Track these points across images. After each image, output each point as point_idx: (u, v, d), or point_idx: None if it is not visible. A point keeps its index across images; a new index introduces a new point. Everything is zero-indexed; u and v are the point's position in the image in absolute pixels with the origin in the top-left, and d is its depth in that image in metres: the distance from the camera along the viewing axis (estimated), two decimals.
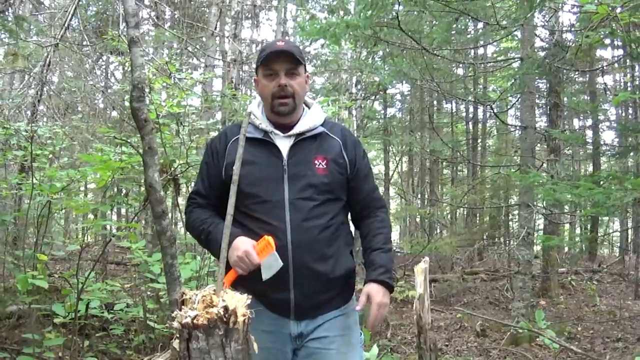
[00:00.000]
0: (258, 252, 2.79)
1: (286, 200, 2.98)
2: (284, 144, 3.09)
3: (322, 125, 3.20)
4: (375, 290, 3.03)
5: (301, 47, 20.70)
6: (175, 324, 2.17)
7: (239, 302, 2.24)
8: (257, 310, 2.36)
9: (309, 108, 3.28)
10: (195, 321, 2.12)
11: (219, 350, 2.15)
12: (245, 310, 2.23)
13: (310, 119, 3.19)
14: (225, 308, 2.16)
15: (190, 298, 2.25)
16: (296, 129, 3.12)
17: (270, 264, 2.85)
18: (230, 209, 2.52)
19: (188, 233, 3.66)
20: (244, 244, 2.83)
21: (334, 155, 3.12)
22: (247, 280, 2.88)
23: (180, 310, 2.21)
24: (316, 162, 3.07)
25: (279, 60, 3.05)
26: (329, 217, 3.04)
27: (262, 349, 2.48)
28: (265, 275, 2.86)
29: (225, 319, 2.15)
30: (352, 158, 3.17)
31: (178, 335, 2.20)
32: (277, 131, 3.11)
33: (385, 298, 3.04)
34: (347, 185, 3.19)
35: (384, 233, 3.24)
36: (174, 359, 2.23)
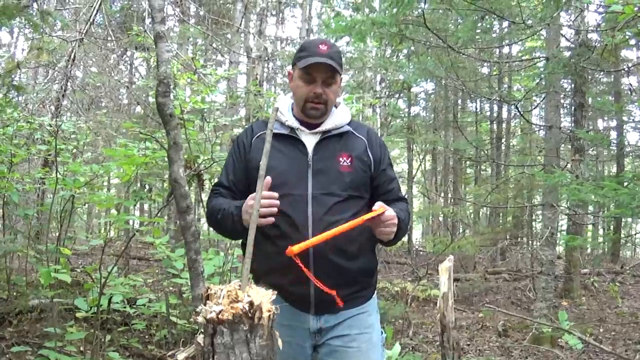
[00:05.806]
0: None
1: (309, 194, 2.99)
2: (309, 141, 3.11)
3: (348, 124, 3.22)
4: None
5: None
6: (200, 319, 2.16)
7: (264, 297, 2.22)
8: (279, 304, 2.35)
9: (336, 107, 3.28)
10: (220, 316, 2.11)
11: (244, 346, 2.13)
12: (270, 306, 2.21)
13: (337, 117, 3.21)
14: (251, 303, 2.14)
15: (215, 293, 2.23)
16: (323, 127, 3.14)
17: None
18: (256, 204, 2.50)
19: (210, 229, 3.64)
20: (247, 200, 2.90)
21: (359, 153, 3.13)
22: (267, 274, 2.89)
23: (205, 305, 2.20)
24: (341, 159, 3.08)
25: (319, 69, 3.05)
26: (352, 214, 3.00)
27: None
28: None
29: (250, 315, 2.14)
30: (377, 157, 3.19)
31: (202, 330, 2.20)
32: (303, 128, 3.14)
33: (395, 219, 2.94)
34: (371, 185, 3.18)
35: (398, 207, 3.12)
36: (198, 354, 2.21)
